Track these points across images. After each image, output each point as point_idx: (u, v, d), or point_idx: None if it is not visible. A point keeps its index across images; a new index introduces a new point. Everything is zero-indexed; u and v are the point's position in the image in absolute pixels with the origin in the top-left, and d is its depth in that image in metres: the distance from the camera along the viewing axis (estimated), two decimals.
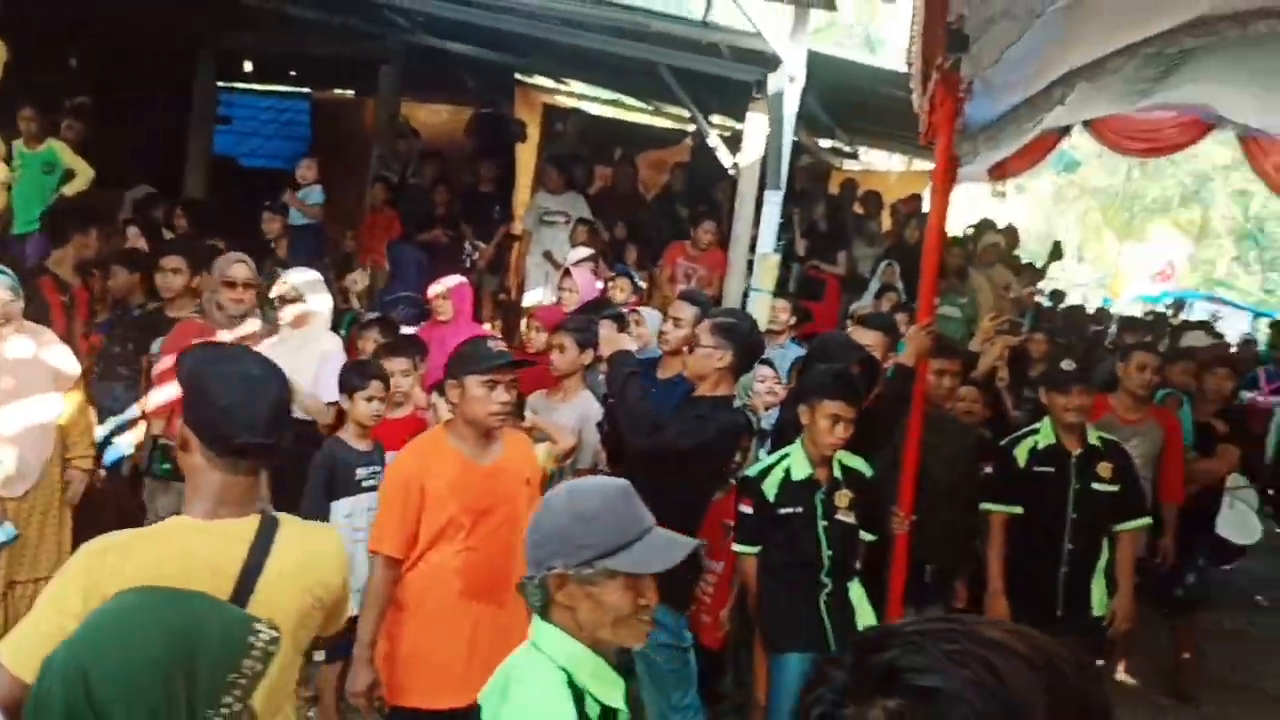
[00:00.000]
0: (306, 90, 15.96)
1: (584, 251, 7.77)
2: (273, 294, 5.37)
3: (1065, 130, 11.38)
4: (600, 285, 6.91)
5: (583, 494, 2.19)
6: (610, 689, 2.14)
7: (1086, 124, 11.62)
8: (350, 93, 15.76)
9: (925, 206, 10.74)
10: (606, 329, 4.67)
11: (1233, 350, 11.21)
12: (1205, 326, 11.74)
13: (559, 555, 2.10)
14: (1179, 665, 6.50)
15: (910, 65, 4.69)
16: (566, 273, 6.63)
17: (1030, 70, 6.45)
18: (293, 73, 15.42)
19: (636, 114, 15.08)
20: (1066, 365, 4.98)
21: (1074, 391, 4.85)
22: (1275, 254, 23.81)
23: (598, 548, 2.08)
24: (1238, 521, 6.85)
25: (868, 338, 5.18)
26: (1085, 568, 4.84)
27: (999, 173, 11.71)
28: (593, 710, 2.09)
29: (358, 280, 8.28)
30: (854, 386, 4.38)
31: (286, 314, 5.29)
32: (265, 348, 4.60)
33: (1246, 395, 9.69)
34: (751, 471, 4.58)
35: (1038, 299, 10.64)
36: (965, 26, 4.07)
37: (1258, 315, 19.39)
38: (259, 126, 15.88)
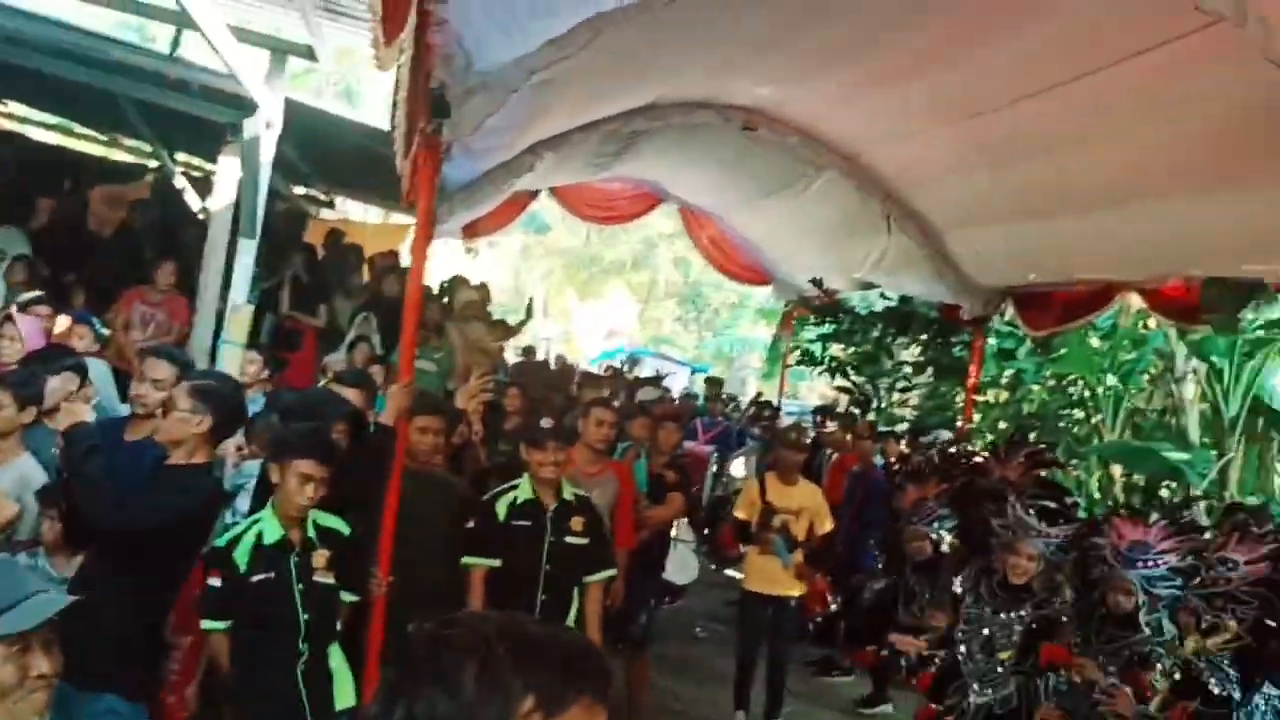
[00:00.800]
0: None
1: (30, 294, 6.89)
2: None
3: (534, 194, 12.08)
4: (48, 331, 6.16)
5: None
6: None
7: (553, 190, 12.45)
8: None
9: (404, 260, 10.83)
10: (59, 382, 4.17)
11: (677, 403, 12.41)
12: (656, 382, 12.95)
13: None
14: (633, 699, 6.96)
15: (394, 127, 4.71)
16: (8, 318, 5.82)
17: (506, 139, 6.72)
18: None
19: (90, 144, 13.80)
20: (545, 423, 5.18)
21: (550, 448, 5.06)
22: (710, 315, 26.86)
23: None
24: (680, 563, 7.56)
25: (348, 395, 5.09)
26: (559, 618, 5.04)
27: (472, 231, 12.14)
28: None
29: None
30: (327, 445, 4.27)
31: None
32: None
33: (687, 444, 10.76)
34: (220, 541, 4.27)
35: (510, 353, 11.08)
36: (448, 94, 4.17)
37: (695, 370, 21.71)
38: None
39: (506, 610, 1.27)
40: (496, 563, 5.06)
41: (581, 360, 19.86)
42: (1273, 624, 4.66)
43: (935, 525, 7.11)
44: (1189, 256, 6.96)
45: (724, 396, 14.09)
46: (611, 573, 5.44)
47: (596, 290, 30.77)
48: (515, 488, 5.18)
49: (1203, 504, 8.61)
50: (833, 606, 8.26)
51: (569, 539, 5.06)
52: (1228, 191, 6.15)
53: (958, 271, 9.67)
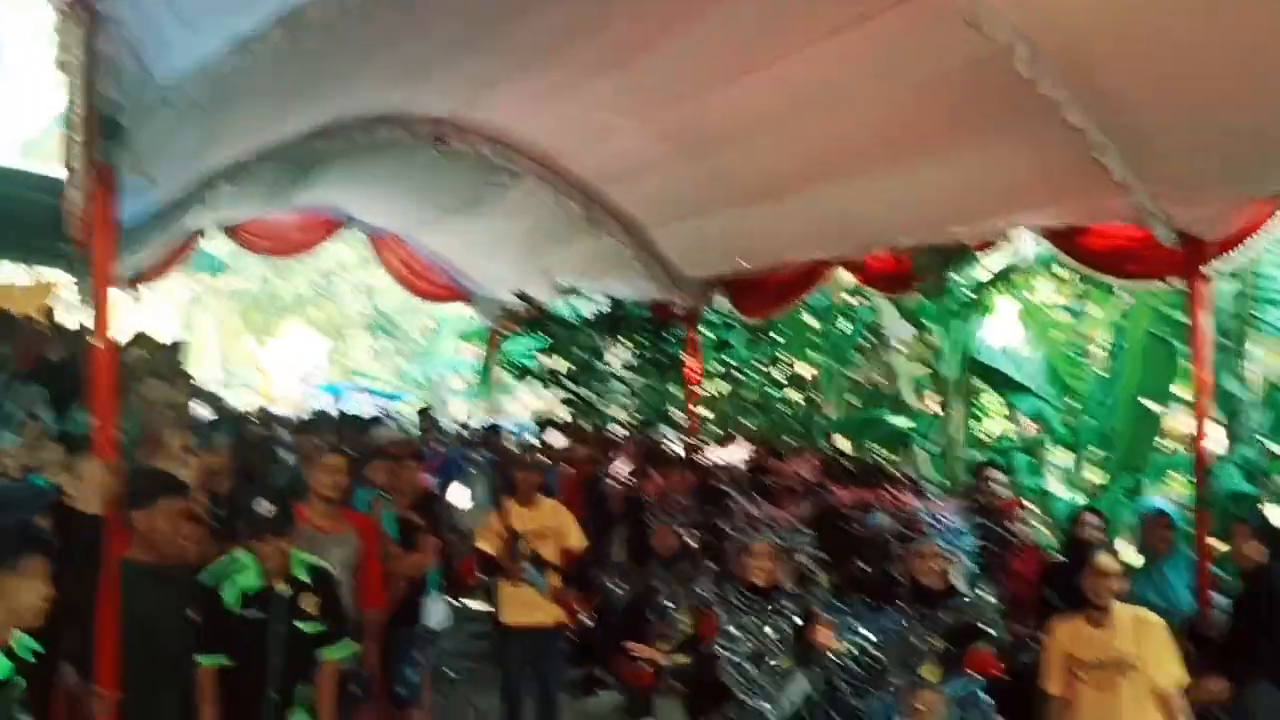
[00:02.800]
0: None
1: None
2: None
3: (201, 231, 11.07)
4: None
5: None
6: None
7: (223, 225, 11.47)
8: None
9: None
10: None
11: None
12: (379, 422, 12.18)
13: None
14: None
15: (68, 164, 3.93)
16: None
17: (182, 167, 5.98)
18: None
19: None
20: (263, 509, 4.40)
21: (269, 540, 4.33)
22: (406, 344, 26.00)
23: None
24: (433, 607, 7.02)
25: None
26: (286, 712, 4.39)
27: (138, 279, 10.96)
28: None
29: None
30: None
31: None
32: None
33: None
34: None
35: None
36: (121, 115, 3.50)
37: (389, 398, 20.88)
38: None
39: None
40: (223, 659, 4.30)
41: (282, 407, 18.58)
42: None
43: (681, 519, 6.90)
44: (895, 226, 7.15)
45: (437, 425, 13.45)
46: (349, 649, 4.80)
47: (276, 331, 29.12)
48: (238, 565, 4.39)
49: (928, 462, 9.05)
50: (587, 622, 7.94)
51: (301, 625, 4.40)
52: (928, 159, 6.34)
53: (666, 267, 9.63)
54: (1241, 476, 6.20)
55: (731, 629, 5.31)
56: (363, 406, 17.34)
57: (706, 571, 5.91)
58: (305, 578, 4.43)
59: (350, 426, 10.52)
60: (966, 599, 4.79)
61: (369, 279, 23.92)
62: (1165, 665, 4.38)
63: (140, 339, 8.50)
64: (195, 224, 9.57)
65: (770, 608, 5.20)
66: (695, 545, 6.71)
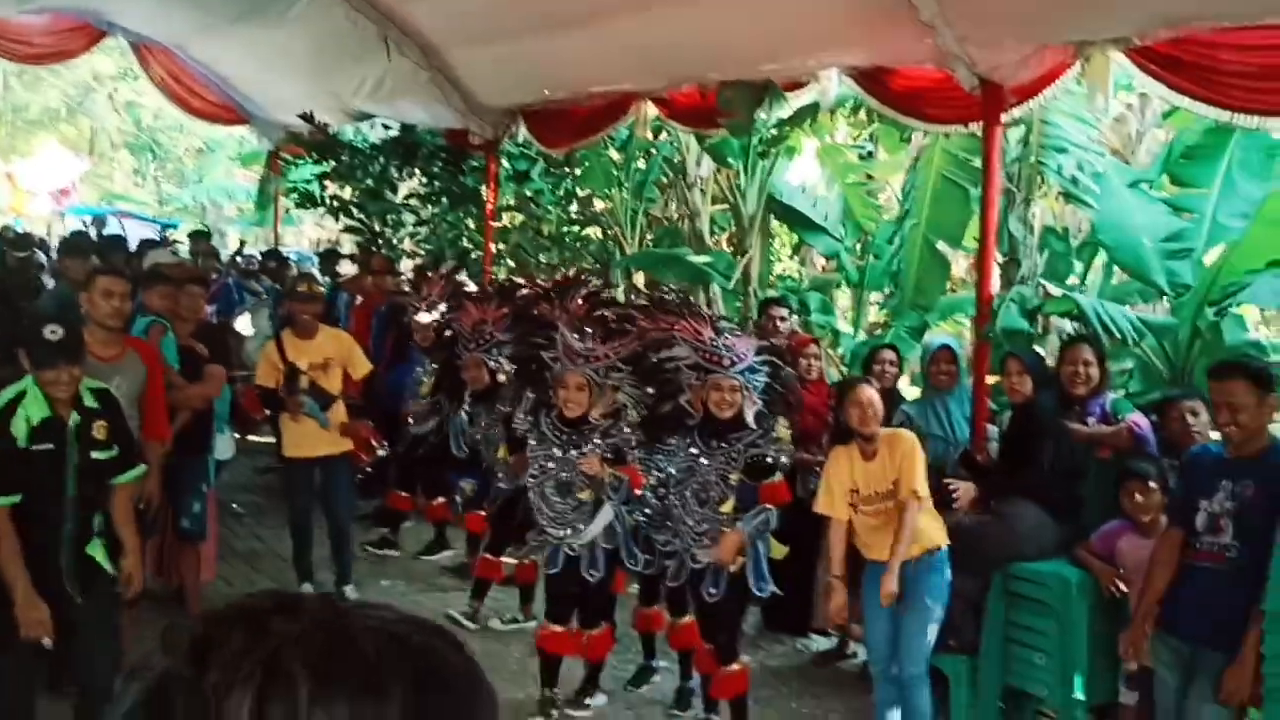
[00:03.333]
0: None
1: None
2: None
3: None
4: None
5: None
6: None
7: None
8: None
9: None
10: None
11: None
12: (165, 244, 11.40)
13: None
14: (189, 592, 6.22)
15: None
16: None
17: None
18: None
19: None
20: (52, 334, 4.02)
21: (61, 368, 4.01)
22: (173, 165, 24.30)
23: None
24: (221, 443, 6.77)
25: None
26: (84, 543, 4.24)
27: None
28: None
29: None
30: None
31: None
32: None
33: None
34: None
35: None
36: None
37: (164, 227, 19.67)
38: None
39: None
40: (16, 499, 4.03)
41: (34, 228, 17.14)
42: None
43: (494, 352, 6.84)
44: (705, 62, 7.08)
45: (213, 251, 12.78)
46: (139, 471, 4.55)
47: (24, 147, 26.66)
48: (22, 398, 4.05)
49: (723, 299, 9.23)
50: (381, 453, 7.84)
51: (95, 454, 4.19)
52: None
53: (465, 94, 9.26)
54: (1019, 314, 6.61)
55: (543, 460, 5.37)
56: (130, 232, 16.24)
57: (524, 403, 5.88)
58: (94, 404, 4.20)
59: (117, 250, 9.85)
60: (759, 432, 4.95)
61: (131, 94, 22.07)
62: (908, 476, 4.73)
63: None
64: None
65: (582, 441, 5.29)
66: (509, 379, 6.67)
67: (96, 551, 4.26)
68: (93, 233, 14.39)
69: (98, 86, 24.27)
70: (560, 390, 5.25)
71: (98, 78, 23.38)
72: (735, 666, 5.10)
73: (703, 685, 5.39)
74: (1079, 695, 5.00)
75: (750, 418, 4.95)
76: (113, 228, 16.28)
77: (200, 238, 13.20)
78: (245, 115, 12.98)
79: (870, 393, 4.86)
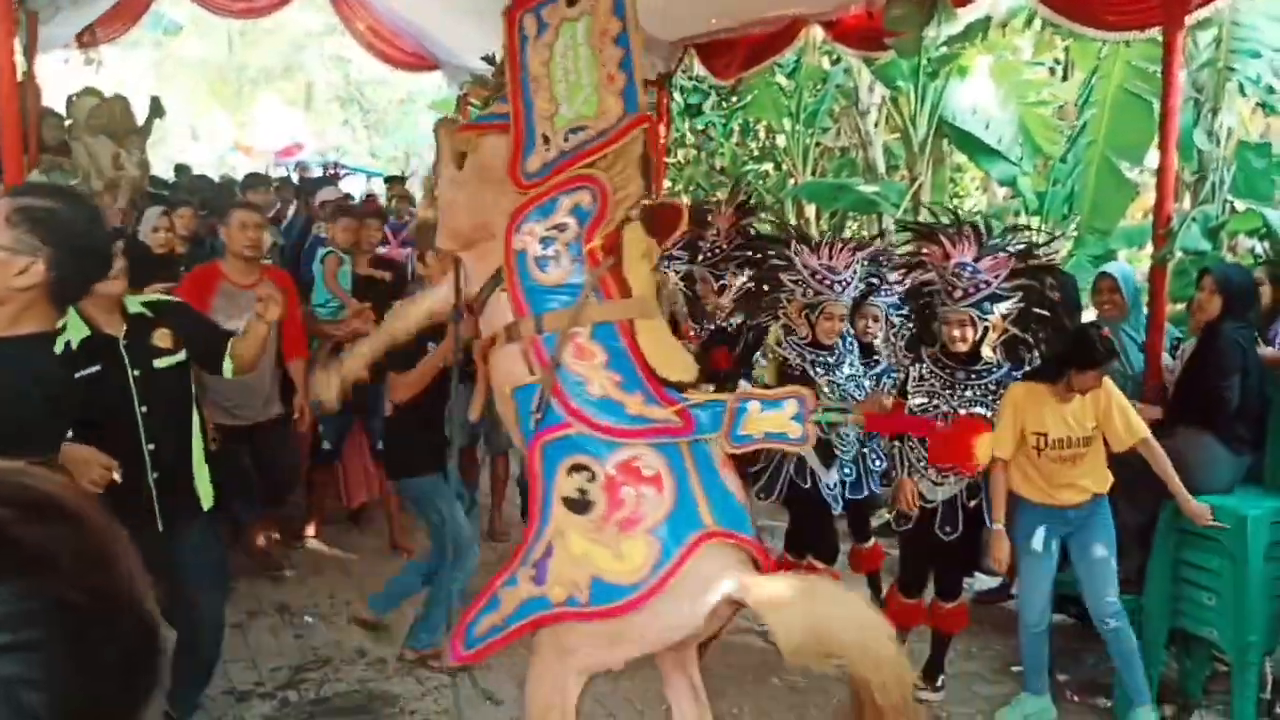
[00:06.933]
0: None
1: None
2: None
3: None
4: None
5: None
6: None
7: None
8: None
9: None
10: None
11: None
12: (333, 182, 11.95)
13: None
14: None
15: None
16: None
17: None
18: None
19: None
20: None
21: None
22: (377, 117, 25.30)
23: None
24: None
25: None
26: (175, 468, 3.91)
27: (89, 38, 10.55)
28: None
29: None
30: None
31: None
32: None
33: (380, 249, 10.07)
34: None
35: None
36: None
37: (370, 176, 20.48)
38: None
39: None
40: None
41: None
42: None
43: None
44: None
45: (408, 195, 13.22)
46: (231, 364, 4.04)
47: (247, 105, 28.26)
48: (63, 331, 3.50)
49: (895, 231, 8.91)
50: None
51: (159, 363, 3.82)
52: None
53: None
54: (1201, 233, 6.12)
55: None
56: (328, 170, 17.06)
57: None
58: (146, 312, 3.88)
59: (299, 188, 10.43)
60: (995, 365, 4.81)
61: (339, 49, 23.05)
62: (1134, 425, 4.51)
63: (84, 94, 8.22)
64: None
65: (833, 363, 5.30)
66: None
67: (195, 475, 3.98)
68: (295, 178, 15.18)
69: (307, 43, 25.47)
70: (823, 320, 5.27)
71: (309, 34, 24.52)
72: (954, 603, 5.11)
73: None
74: (1254, 639, 4.68)
75: (986, 352, 4.76)
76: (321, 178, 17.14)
77: (396, 182, 13.69)
78: (436, 61, 13.32)
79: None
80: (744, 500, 3.29)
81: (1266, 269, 5.15)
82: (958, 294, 4.64)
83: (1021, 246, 4.82)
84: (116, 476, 3.19)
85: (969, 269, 4.64)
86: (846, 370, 5.37)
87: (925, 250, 4.88)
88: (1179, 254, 5.61)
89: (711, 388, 3.68)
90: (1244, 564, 4.56)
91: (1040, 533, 4.66)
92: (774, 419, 3.24)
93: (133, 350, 3.76)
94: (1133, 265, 7.43)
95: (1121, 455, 4.66)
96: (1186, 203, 6.69)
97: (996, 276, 4.64)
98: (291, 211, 10.03)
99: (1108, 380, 4.56)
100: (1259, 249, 6.25)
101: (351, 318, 5.87)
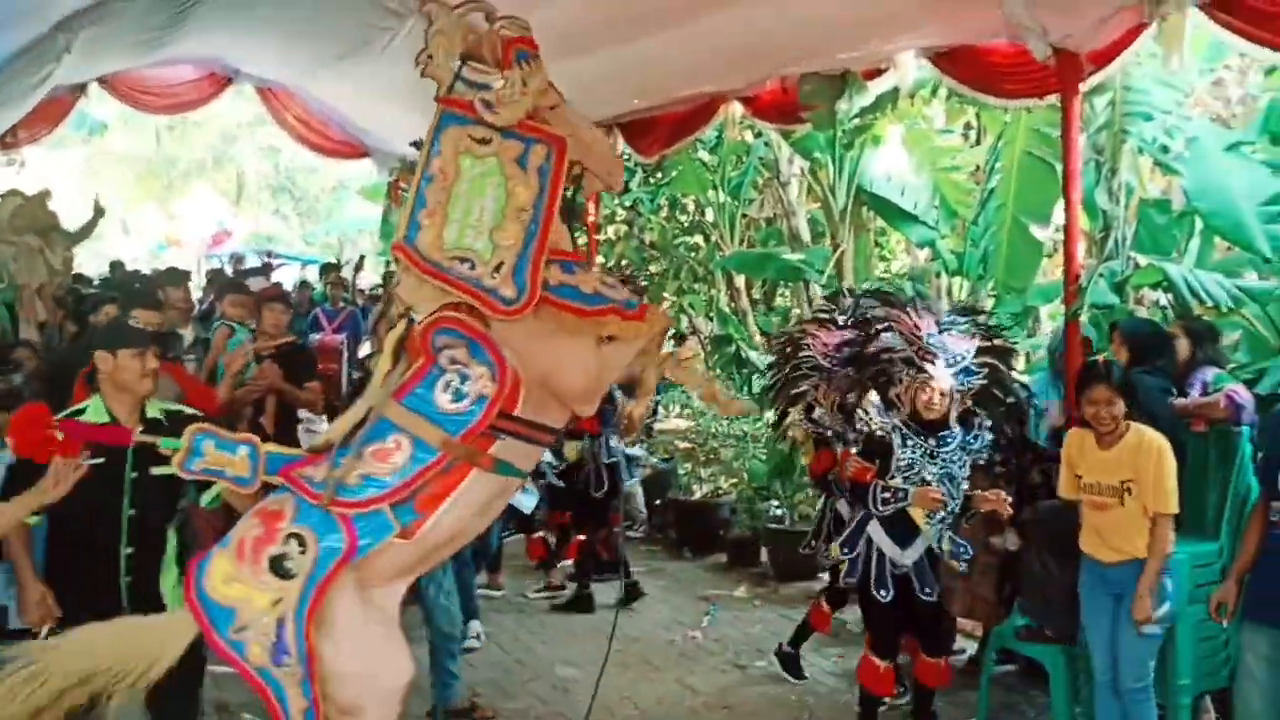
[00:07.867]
0: None
1: None
2: None
3: (82, 88, 10.58)
4: None
5: None
6: None
7: (103, 81, 10.95)
8: None
9: None
10: None
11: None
12: (264, 272, 11.98)
13: None
14: None
15: None
16: None
17: (27, 9, 5.65)
18: None
19: None
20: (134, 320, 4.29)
21: (145, 354, 3.94)
22: (309, 205, 25.33)
23: None
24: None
25: None
26: (150, 572, 3.98)
27: (12, 140, 10.50)
28: None
29: None
30: None
31: None
32: None
33: (314, 337, 10.10)
34: None
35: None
36: None
37: (305, 264, 20.48)
38: None
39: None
40: (39, 520, 3.79)
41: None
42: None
43: None
44: (785, 56, 7.04)
45: (343, 282, 13.27)
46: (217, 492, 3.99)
47: (179, 197, 28.16)
48: (81, 411, 3.90)
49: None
50: None
51: (157, 470, 3.77)
52: None
53: None
54: (1109, 288, 6.36)
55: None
56: (263, 260, 17.06)
57: None
58: (162, 419, 3.95)
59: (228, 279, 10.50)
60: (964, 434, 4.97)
61: (270, 139, 23.12)
62: (1159, 494, 4.42)
63: (8, 196, 8.21)
64: (66, 77, 9.11)
65: None
66: None
67: (166, 582, 3.97)
68: (229, 270, 15.15)
69: (238, 135, 25.53)
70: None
71: (240, 125, 24.59)
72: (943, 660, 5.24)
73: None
74: (1185, 682, 4.78)
75: (954, 419, 4.93)
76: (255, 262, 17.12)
77: (330, 269, 13.73)
78: (365, 149, 13.42)
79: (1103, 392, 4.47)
80: None
81: (1181, 324, 5.34)
82: (939, 364, 4.82)
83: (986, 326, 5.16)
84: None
85: (942, 340, 4.88)
86: None
87: (893, 318, 5.07)
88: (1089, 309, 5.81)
89: None
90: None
91: (1085, 582, 4.67)
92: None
93: (138, 453, 3.80)
94: (1054, 320, 7.69)
95: (1043, 509, 4.82)
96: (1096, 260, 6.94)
97: (968, 352, 4.91)
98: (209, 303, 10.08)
99: (1163, 445, 4.46)
100: (1163, 300, 6.49)
101: (257, 376, 6.05)
